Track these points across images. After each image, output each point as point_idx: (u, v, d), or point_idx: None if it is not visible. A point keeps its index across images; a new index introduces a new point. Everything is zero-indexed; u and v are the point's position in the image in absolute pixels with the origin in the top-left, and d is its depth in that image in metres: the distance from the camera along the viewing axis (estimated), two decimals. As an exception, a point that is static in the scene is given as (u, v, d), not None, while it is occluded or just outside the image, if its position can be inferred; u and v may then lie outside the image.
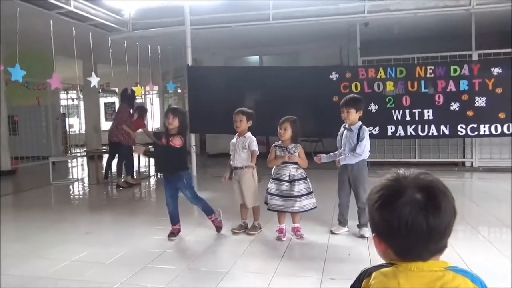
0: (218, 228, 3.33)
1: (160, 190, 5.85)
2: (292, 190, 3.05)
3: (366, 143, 3.13)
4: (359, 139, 3.12)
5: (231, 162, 3.31)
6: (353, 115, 3.15)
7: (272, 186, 3.12)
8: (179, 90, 9.25)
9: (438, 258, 0.79)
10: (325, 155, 3.30)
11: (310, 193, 3.11)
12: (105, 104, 13.52)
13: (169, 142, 3.10)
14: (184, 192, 3.23)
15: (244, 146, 3.23)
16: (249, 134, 3.28)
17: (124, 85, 5.49)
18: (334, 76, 5.91)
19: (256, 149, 3.24)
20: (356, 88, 5.87)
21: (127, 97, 5.75)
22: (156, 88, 10.66)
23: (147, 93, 12.28)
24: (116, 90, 12.55)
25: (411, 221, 0.75)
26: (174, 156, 3.19)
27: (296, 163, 3.09)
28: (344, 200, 3.26)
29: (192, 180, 3.37)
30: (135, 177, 6.23)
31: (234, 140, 3.32)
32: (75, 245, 3.14)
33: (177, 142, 3.12)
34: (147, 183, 6.35)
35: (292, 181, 3.07)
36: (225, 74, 6.42)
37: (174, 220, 3.27)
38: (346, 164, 3.17)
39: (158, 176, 6.74)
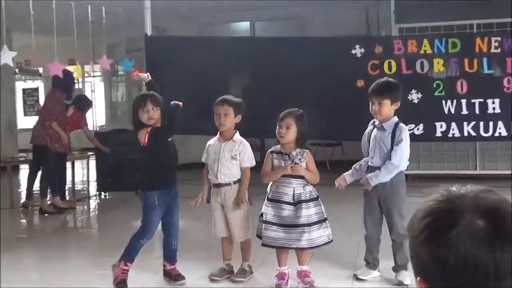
0: (178, 277, 3.27)
1: (104, 216, 5.79)
2: (298, 216, 3.04)
3: (405, 149, 3.14)
4: (394, 142, 3.13)
5: (209, 176, 3.30)
6: (387, 108, 3.16)
7: (268, 211, 3.11)
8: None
9: None
10: (348, 173, 3.29)
11: (324, 220, 3.11)
12: (25, 90, 13.36)
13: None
14: (176, 214, 3.26)
15: (234, 155, 3.22)
16: (239, 136, 3.28)
17: (51, 64, 5.39)
18: (358, 51, 5.91)
19: (251, 164, 3.25)
20: (390, 69, 5.88)
21: (60, 81, 5.63)
22: (99, 68, 10.61)
23: (85, 75, 12.23)
24: (41, 70, 12.42)
25: (472, 258, 0.76)
26: (173, 159, 3.30)
27: (303, 178, 3.09)
28: (373, 231, 3.26)
29: None
30: (67, 198, 6.18)
31: (214, 143, 3.31)
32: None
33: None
34: (85, 206, 6.29)
35: (297, 203, 3.06)
36: (201, 48, 6.40)
37: (135, 253, 3.21)
38: (374, 171, 3.18)
39: (102, 196, 6.68)
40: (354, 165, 3.35)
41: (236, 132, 3.30)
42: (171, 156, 3.31)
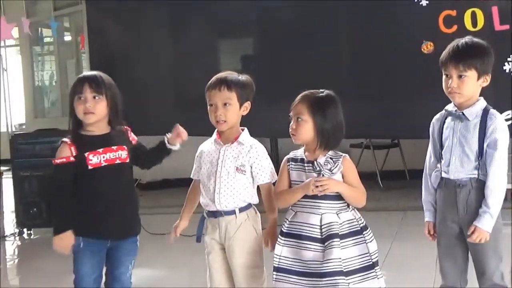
0: None
1: (28, 266, 5.81)
2: (329, 260, 3.03)
3: (505, 151, 3.14)
4: (486, 140, 3.13)
5: (202, 199, 3.32)
6: (471, 84, 3.15)
7: (283, 253, 3.13)
8: (68, 37, 9.27)
9: None
10: (430, 213, 3.27)
11: (372, 266, 3.10)
12: None
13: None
14: (122, 273, 3.35)
15: (240, 166, 3.22)
16: (248, 137, 3.29)
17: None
18: (423, -4, 5.95)
19: (272, 178, 3.26)
20: (474, 23, 5.90)
21: None
22: (15, 32, 10.70)
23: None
24: None
25: None
26: (133, 187, 3.42)
27: (338, 198, 3.11)
28: (455, 280, 3.28)
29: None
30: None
31: (208, 148, 3.34)
32: None
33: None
34: (-2, 253, 6.37)
35: (327, 239, 3.07)
36: (174, 9, 6.44)
37: None
38: (453, 190, 3.17)
39: (25, 234, 6.73)
40: (425, 191, 3.33)
41: (243, 130, 3.30)
42: (129, 184, 3.39)
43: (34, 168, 6.32)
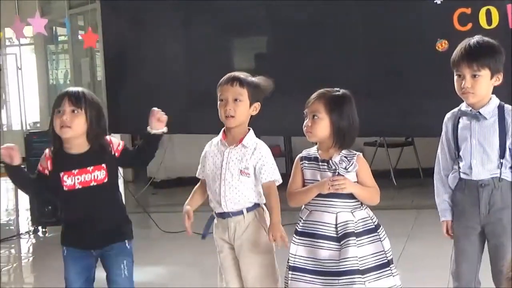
0: None
1: (43, 264, 5.84)
2: (345, 258, 3.03)
3: None
4: (508, 137, 3.12)
5: (210, 203, 3.32)
6: (485, 83, 3.14)
7: (298, 253, 3.12)
8: (79, 37, 9.27)
9: None
10: (445, 208, 3.25)
11: (387, 264, 3.10)
12: None
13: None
14: (116, 274, 3.32)
15: (243, 169, 3.21)
16: (253, 138, 3.27)
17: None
18: (438, -5, 5.92)
19: (277, 178, 3.24)
20: (489, 21, 5.86)
21: None
22: (29, 31, 10.73)
23: (8, 42, 12.32)
24: None
25: None
26: (115, 201, 3.37)
27: (352, 196, 3.10)
28: (471, 280, 3.26)
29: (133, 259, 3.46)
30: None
31: (213, 148, 3.33)
32: None
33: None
34: (11, 250, 6.37)
35: (342, 237, 3.07)
36: (188, 7, 6.44)
37: None
38: (474, 190, 3.15)
39: (40, 232, 6.77)
40: (441, 191, 3.29)
41: (249, 130, 3.28)
42: (115, 194, 3.37)
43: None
